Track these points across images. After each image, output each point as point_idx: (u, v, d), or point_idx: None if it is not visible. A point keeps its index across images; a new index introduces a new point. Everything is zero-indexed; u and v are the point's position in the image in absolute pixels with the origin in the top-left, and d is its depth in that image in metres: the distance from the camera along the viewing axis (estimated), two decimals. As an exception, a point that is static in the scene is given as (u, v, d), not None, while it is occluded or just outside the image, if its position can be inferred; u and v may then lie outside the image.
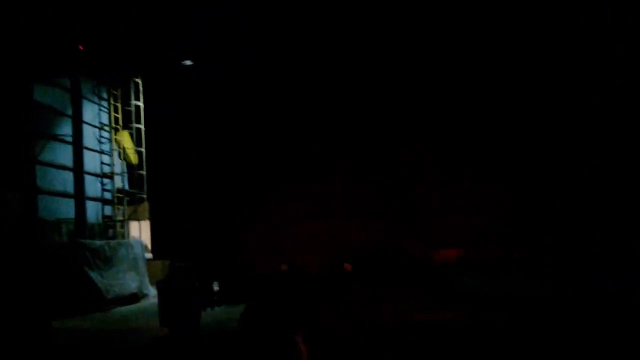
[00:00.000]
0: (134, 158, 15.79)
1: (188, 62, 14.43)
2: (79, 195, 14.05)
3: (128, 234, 15.76)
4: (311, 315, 5.25)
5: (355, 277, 6.25)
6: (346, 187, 13.13)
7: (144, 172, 16.35)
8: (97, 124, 15.44)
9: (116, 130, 15.84)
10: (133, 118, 15.79)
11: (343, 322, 5.28)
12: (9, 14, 12.04)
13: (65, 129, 14.27)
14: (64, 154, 14.01)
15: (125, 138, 15.83)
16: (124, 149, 15.82)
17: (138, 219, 16.40)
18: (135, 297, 13.39)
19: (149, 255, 15.35)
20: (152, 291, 13.84)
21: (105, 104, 15.82)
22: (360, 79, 13.93)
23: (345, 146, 13.79)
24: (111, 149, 15.80)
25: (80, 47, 14.43)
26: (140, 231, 16.45)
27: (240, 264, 7.68)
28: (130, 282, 13.50)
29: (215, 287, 8.33)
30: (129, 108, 15.68)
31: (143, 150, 16.20)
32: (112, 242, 14.07)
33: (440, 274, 8.29)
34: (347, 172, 13.53)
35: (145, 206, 16.96)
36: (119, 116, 15.88)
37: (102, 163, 15.47)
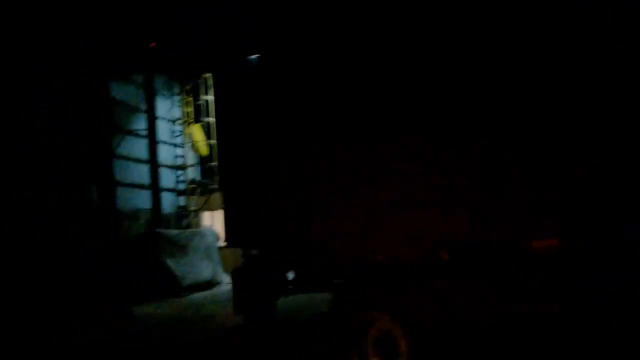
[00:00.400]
0: (205, 150, 16.33)
1: (254, 56, 14.68)
2: (155, 187, 14.69)
3: (200, 223, 16.34)
4: (406, 302, 5.27)
5: (451, 266, 6.04)
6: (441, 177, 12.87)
7: (215, 164, 16.90)
8: (170, 118, 16.05)
9: (188, 123, 16.43)
10: (204, 112, 16.33)
11: (437, 311, 5.23)
12: (87, 16, 12.67)
13: (140, 124, 14.90)
14: (140, 148, 14.64)
15: (196, 131, 16.37)
16: (195, 141, 16.38)
17: (210, 209, 16.98)
18: (210, 284, 13.83)
19: (222, 244, 15.85)
20: (226, 278, 14.25)
21: (177, 98, 16.41)
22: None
23: (439, 136, 13.52)
24: (183, 142, 16.40)
25: (153, 45, 14.98)
26: (212, 221, 17.02)
27: (319, 253, 7.56)
28: (204, 269, 13.96)
29: (290, 276, 8.36)
30: (200, 102, 16.21)
31: (214, 142, 16.74)
32: (187, 231, 14.60)
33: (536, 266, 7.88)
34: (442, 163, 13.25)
35: (216, 196, 17.49)
36: (191, 110, 16.46)
37: (175, 156, 16.09)
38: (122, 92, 14.24)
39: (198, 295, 12.85)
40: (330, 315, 7.04)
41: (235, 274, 8.76)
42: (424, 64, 6.42)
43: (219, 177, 14.82)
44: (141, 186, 14.48)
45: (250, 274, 8.38)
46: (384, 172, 6.49)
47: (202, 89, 16.34)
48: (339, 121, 7.07)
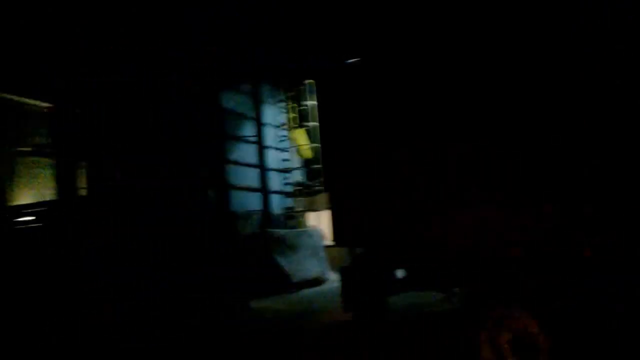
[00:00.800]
0: (309, 153, 17.01)
1: (352, 60, 15.11)
2: (264, 189, 15.55)
3: (306, 223, 17.02)
4: (552, 300, 5.16)
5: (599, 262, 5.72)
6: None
7: (319, 166, 17.55)
8: (275, 124, 16.90)
9: (292, 128, 17.21)
10: (307, 116, 17.04)
11: (588, 311, 5.06)
12: (197, 34, 13.75)
13: (249, 130, 15.83)
14: (249, 153, 15.56)
15: (300, 135, 17.10)
16: (299, 145, 17.10)
17: (315, 210, 17.62)
18: (317, 281, 14.40)
19: (327, 243, 16.43)
20: (332, 276, 14.76)
21: (281, 105, 17.25)
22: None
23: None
24: (288, 146, 17.19)
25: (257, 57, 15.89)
26: (317, 220, 17.65)
27: (433, 251, 7.47)
28: (311, 267, 14.56)
29: (399, 274, 8.44)
30: (303, 107, 16.94)
31: (317, 145, 17.42)
32: (294, 230, 15.32)
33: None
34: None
35: (321, 197, 18.13)
36: (294, 116, 17.24)
37: (281, 159, 16.91)
38: (231, 101, 15.22)
39: (307, 292, 13.43)
40: (458, 313, 7.07)
41: (344, 272, 8.97)
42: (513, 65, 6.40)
43: (324, 178, 15.32)
44: (252, 189, 15.38)
45: (360, 272, 8.62)
46: (498, 168, 6.40)
47: (305, 95, 17.05)
48: (448, 120, 7.10)
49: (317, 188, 16.95)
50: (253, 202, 15.49)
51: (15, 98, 16.99)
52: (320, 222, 17.03)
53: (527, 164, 6.05)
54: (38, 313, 9.51)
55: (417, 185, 7.50)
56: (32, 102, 17.45)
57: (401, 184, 7.80)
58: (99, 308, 9.26)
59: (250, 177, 15.58)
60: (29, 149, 16.57)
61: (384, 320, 8.10)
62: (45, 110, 16.97)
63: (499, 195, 6.42)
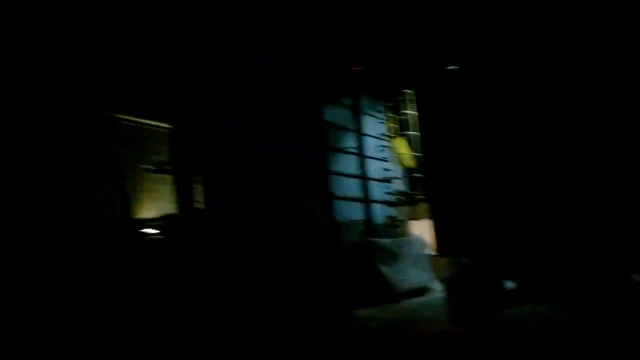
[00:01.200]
0: (410, 162, 17.13)
1: (453, 67, 15.09)
2: (366, 199, 15.87)
3: (408, 232, 17.09)
4: None
5: None
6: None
7: (420, 175, 17.59)
8: (376, 135, 17.19)
9: (392, 138, 17.41)
10: (407, 126, 17.18)
11: None
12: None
13: (350, 142, 16.25)
14: (351, 164, 15.97)
15: (400, 145, 17.26)
16: (400, 155, 17.26)
17: (417, 219, 17.65)
18: (422, 290, 14.44)
19: (431, 252, 16.41)
20: (437, 286, 14.74)
21: (381, 115, 17.52)
22: None
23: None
24: (389, 156, 17.40)
25: (356, 69, 16.31)
26: (419, 229, 17.66)
27: (542, 262, 7.22)
28: (415, 276, 14.63)
29: (509, 286, 8.19)
30: (404, 117, 17.11)
31: (418, 154, 17.47)
32: (398, 240, 15.47)
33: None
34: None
35: (423, 206, 18.12)
36: (394, 126, 17.44)
37: (382, 169, 17.15)
38: (333, 114, 15.74)
39: (412, 302, 13.52)
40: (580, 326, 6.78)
41: (449, 283, 8.63)
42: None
43: (426, 186, 15.28)
44: (354, 199, 15.76)
45: (465, 284, 8.17)
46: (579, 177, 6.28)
47: (405, 105, 17.21)
48: (537, 130, 7.01)
49: (419, 197, 16.99)
50: (356, 212, 15.85)
51: (140, 121, 18.88)
52: (423, 231, 17.04)
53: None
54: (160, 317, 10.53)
55: (523, 191, 7.34)
56: (154, 124, 19.28)
57: (505, 190, 7.67)
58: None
59: (353, 188, 15.97)
60: (152, 167, 18.21)
61: (496, 332, 7.70)
62: (165, 131, 18.58)
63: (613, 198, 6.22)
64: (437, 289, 14.76)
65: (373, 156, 16.86)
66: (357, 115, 16.51)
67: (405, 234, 16.79)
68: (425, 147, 12.12)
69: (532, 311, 8.23)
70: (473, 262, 8.33)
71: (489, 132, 8.30)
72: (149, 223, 15.53)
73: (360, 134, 16.39)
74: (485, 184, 8.04)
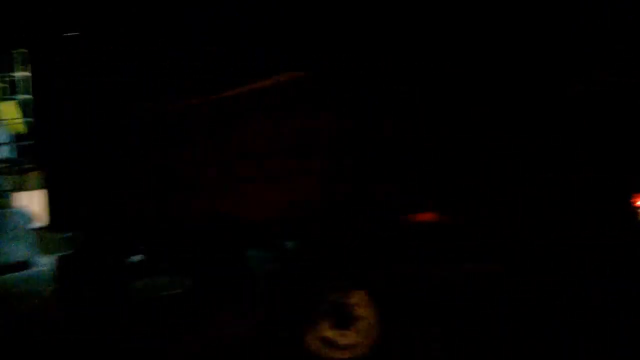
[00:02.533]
0: (20, 128, 15.67)
1: (73, 33, 14.68)
2: (-37, 165, 13.88)
3: (15, 203, 15.68)
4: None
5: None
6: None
7: (31, 142, 16.25)
8: (-20, 93, 15.14)
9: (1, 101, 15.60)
10: (20, 88, 15.63)
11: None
12: None
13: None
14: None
15: (9, 108, 15.63)
16: (8, 119, 15.63)
17: (25, 189, 16.31)
18: (23, 265, 13.59)
19: (37, 225, 15.51)
20: (41, 260, 14.14)
21: (-13, 73, 15.48)
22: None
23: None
24: (-5, 119, 15.55)
25: None
26: (29, 201, 16.38)
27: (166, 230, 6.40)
28: (16, 250, 13.65)
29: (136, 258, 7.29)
30: (13, 78, 15.49)
31: (30, 120, 16.10)
32: (-1, 211, 14.06)
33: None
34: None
35: (34, 176, 16.82)
36: (4, 86, 15.64)
37: (-14, 133, 15.22)
38: None
39: (9, 277, 12.58)
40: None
41: (62, 262, 7.43)
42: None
43: (38, 154, 13.78)
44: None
45: (84, 261, 7.07)
46: None
47: (19, 65, 15.64)
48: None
49: (27, 166, 15.75)
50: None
51: None
52: (32, 202, 15.91)
53: None
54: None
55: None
56: None
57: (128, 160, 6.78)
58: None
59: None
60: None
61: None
62: None
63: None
64: (43, 263, 14.15)
65: (-27, 117, 14.81)
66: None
67: (9, 204, 15.34)
68: (38, 112, 11.23)
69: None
70: (91, 237, 7.24)
71: (104, 98, 7.75)
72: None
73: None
74: (99, 151, 7.25)
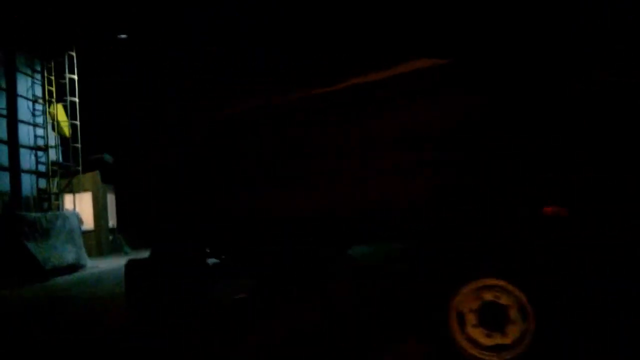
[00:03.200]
0: (67, 131, 15.87)
1: (123, 36, 14.82)
2: (14, 168, 14.07)
3: (62, 206, 15.91)
4: None
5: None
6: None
7: (78, 145, 16.53)
8: (31, 97, 15.35)
9: (50, 103, 15.81)
10: (67, 91, 15.84)
11: None
12: None
13: (-1, 102, 14.14)
14: (-2, 127, 13.92)
15: (59, 111, 15.84)
16: (58, 122, 15.85)
17: (73, 191, 16.57)
18: (73, 267, 13.79)
19: (85, 228, 15.74)
20: (90, 262, 14.33)
21: (38, 76, 15.69)
22: None
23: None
24: (45, 122, 15.78)
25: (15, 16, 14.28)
26: (74, 203, 16.65)
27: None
28: (67, 253, 13.84)
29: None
30: (63, 81, 15.70)
31: (78, 123, 16.37)
32: (49, 214, 14.22)
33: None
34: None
35: (80, 178, 17.10)
36: (53, 89, 15.84)
37: (36, 136, 15.44)
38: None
39: (62, 279, 12.73)
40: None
41: (133, 266, 6.96)
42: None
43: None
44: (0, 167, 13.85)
45: (158, 265, 6.82)
46: None
47: (67, 67, 15.89)
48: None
49: (76, 168, 15.98)
50: (1, 181, 13.97)
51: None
52: (80, 205, 16.16)
53: None
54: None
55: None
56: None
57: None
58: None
59: None
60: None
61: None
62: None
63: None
64: (91, 266, 14.36)
65: (26, 120, 15.03)
66: (10, 72, 14.41)
67: (57, 207, 15.57)
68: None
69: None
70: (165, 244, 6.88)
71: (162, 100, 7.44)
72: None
73: (12, 94, 14.38)
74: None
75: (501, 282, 3.74)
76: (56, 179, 15.55)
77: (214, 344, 5.33)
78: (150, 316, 6.71)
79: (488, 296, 3.75)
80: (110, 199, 17.88)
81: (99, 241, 18.29)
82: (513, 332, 3.67)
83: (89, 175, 17.14)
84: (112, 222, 18.13)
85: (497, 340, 3.76)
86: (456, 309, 3.85)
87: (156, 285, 6.59)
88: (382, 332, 5.05)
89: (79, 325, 6.99)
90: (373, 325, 5.39)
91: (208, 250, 6.85)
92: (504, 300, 3.74)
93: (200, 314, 6.73)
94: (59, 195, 15.57)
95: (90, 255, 15.71)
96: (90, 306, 8.56)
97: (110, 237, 18.68)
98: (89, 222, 17.61)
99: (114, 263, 14.82)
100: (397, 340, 4.74)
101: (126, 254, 17.12)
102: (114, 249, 18.62)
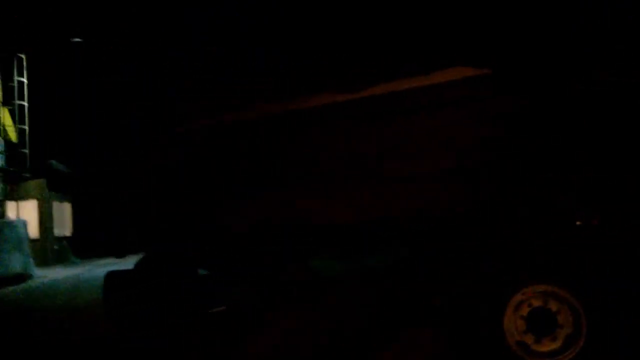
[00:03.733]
0: (14, 136, 15.20)
1: (77, 39, 14.52)
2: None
3: (4, 214, 15.16)
4: None
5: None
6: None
7: (27, 151, 15.83)
8: (-26, 100, 14.57)
9: (-5, 106, 15.02)
10: (16, 94, 15.18)
11: None
12: None
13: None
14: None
15: (5, 115, 15.17)
16: (3, 126, 15.16)
17: (19, 199, 15.83)
18: (21, 277, 13.22)
19: (32, 236, 15.12)
20: (38, 272, 13.84)
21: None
22: None
23: None
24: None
25: None
26: (19, 211, 15.90)
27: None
28: (14, 263, 13.26)
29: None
30: (12, 84, 15.06)
31: (26, 127, 15.69)
32: (-5, 222, 13.57)
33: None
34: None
35: (28, 185, 16.37)
36: (-1, 92, 15.07)
37: (-22, 141, 14.64)
38: None
39: (8, 290, 12.17)
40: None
41: (113, 278, 6.52)
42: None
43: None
44: None
45: (142, 277, 6.41)
46: None
47: (15, 70, 15.28)
48: None
49: (23, 175, 15.31)
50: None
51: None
52: (25, 212, 15.49)
53: None
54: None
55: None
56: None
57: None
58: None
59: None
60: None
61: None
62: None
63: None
64: (38, 276, 13.84)
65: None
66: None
67: (2, 215, 14.84)
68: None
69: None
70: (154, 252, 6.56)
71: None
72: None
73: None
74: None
75: (552, 288, 3.79)
76: (1, 185, 14.86)
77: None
78: (131, 328, 6.35)
79: (537, 302, 3.84)
80: (57, 207, 17.20)
81: (44, 250, 17.57)
82: (562, 337, 3.74)
83: (33, 182, 16.46)
84: (57, 230, 17.44)
85: (546, 346, 3.90)
86: (508, 315, 3.94)
87: (143, 296, 6.26)
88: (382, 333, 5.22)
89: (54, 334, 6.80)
90: (373, 325, 5.56)
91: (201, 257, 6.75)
92: (553, 305, 3.78)
93: (186, 324, 6.69)
94: (3, 202, 14.87)
95: (35, 264, 15.12)
96: (57, 318, 8.23)
97: (56, 247, 17.98)
98: (33, 231, 16.91)
99: (63, 272, 14.30)
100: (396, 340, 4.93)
101: (74, 263, 16.52)
102: (59, 259, 17.93)
